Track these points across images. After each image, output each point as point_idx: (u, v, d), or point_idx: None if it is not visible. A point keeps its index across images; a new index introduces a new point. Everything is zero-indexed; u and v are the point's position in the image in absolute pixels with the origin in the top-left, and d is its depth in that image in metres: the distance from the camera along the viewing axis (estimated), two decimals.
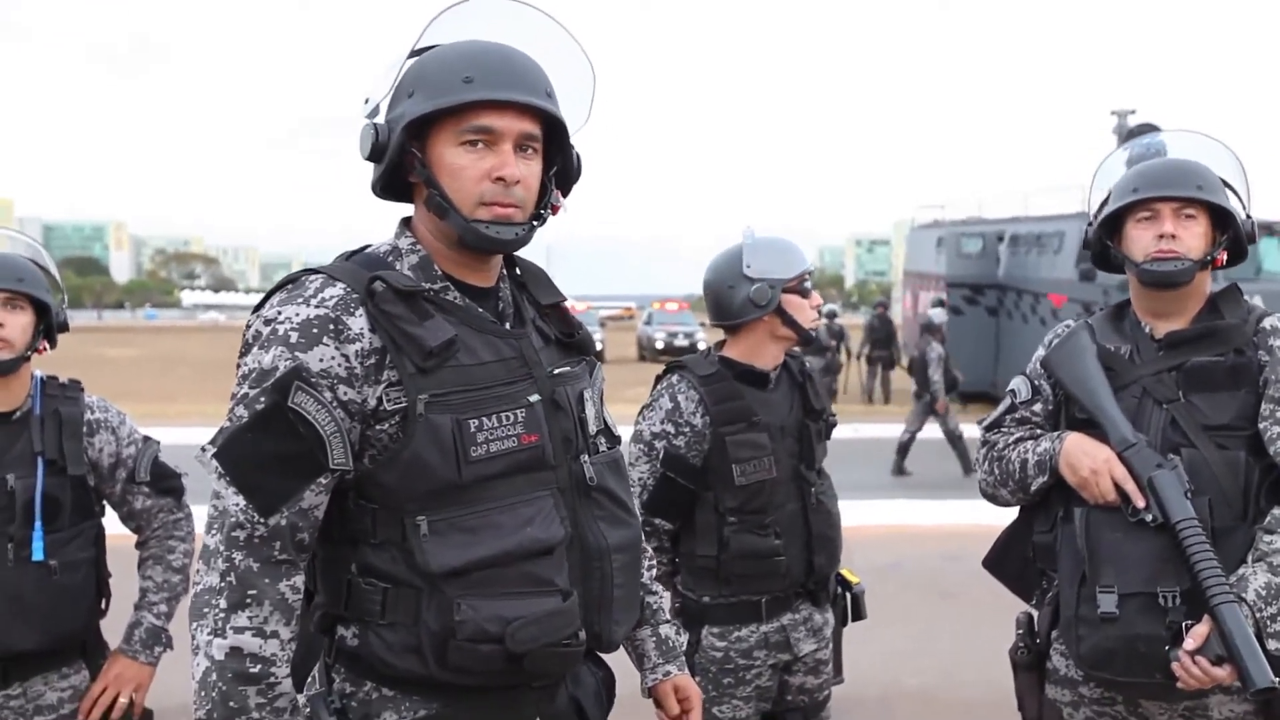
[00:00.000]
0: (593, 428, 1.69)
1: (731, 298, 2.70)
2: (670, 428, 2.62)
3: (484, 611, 1.51)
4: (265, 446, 1.49)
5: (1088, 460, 2.12)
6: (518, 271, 1.74)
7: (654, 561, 1.94)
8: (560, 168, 1.67)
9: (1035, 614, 2.30)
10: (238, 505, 1.49)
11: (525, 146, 1.58)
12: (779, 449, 2.64)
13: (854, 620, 2.87)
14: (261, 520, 1.48)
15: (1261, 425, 2.08)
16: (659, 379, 2.74)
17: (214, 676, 1.46)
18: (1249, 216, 2.25)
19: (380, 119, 1.60)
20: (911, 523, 8.49)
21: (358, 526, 1.55)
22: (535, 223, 1.61)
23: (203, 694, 1.47)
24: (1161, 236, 2.16)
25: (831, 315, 17.90)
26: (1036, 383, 2.32)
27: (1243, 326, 2.18)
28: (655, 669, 1.86)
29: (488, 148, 1.56)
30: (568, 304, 1.78)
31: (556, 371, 1.66)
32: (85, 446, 2.43)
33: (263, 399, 1.48)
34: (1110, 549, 2.08)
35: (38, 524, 2.32)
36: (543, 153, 1.62)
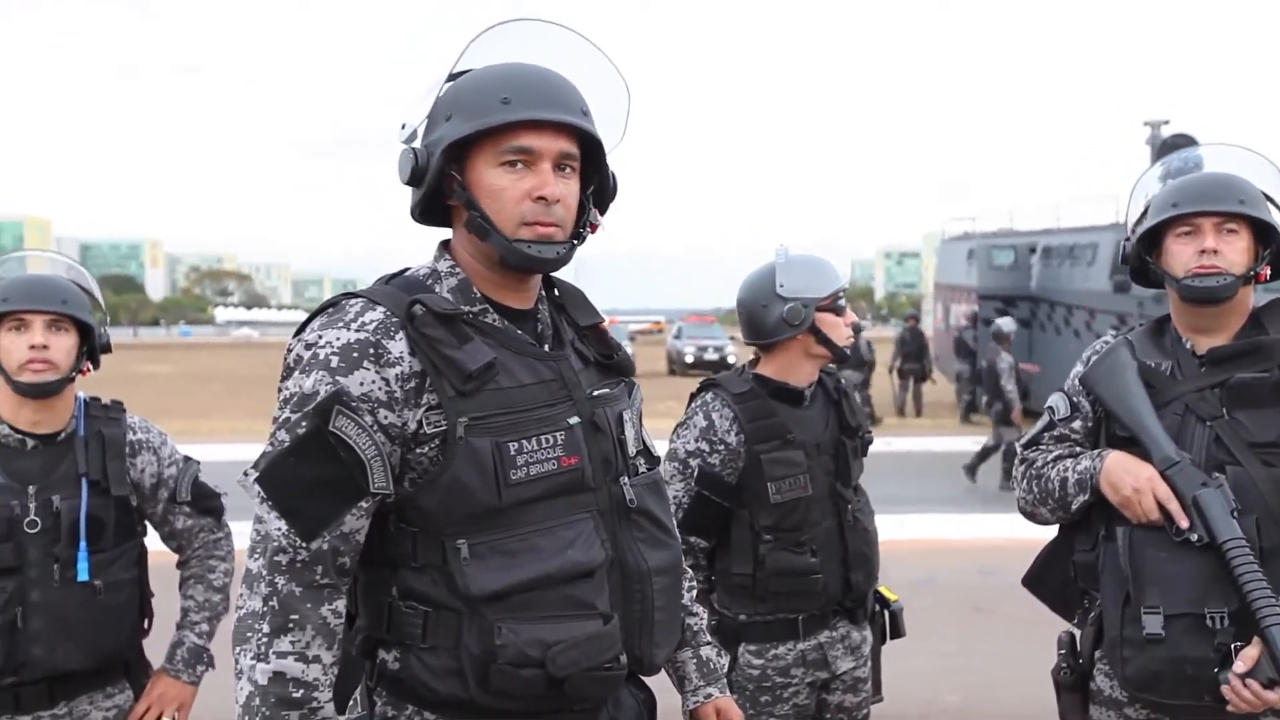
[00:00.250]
0: (632, 449, 1.69)
1: (765, 317, 2.70)
2: (705, 446, 2.62)
3: (525, 635, 1.51)
4: (306, 471, 1.50)
5: (1130, 479, 2.10)
6: (556, 293, 1.74)
7: (693, 582, 1.93)
8: (597, 186, 1.68)
9: (1077, 633, 2.27)
10: (280, 530, 1.50)
11: (564, 165, 1.59)
12: (814, 466, 2.63)
13: (892, 638, 2.85)
14: (303, 545, 1.49)
15: None
16: (693, 397, 2.74)
17: (257, 701, 1.47)
18: None
19: (417, 143, 1.61)
20: (944, 537, 8.43)
21: (398, 550, 1.56)
22: (575, 241, 1.62)
23: (246, 718, 1.48)
24: (1203, 252, 2.14)
25: (857, 330, 17.85)
26: (1075, 399, 2.30)
27: None
28: (697, 691, 1.86)
29: (527, 168, 1.57)
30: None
31: (596, 393, 1.66)
32: (128, 467, 2.45)
33: (304, 423, 1.49)
34: (1155, 569, 2.05)
35: (83, 544, 2.35)
36: (580, 172, 1.63)
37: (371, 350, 1.51)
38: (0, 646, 2.27)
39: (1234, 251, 2.15)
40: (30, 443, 2.38)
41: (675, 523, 1.75)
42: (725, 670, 1.89)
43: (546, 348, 1.65)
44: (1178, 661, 2.01)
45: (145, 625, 2.51)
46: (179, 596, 2.59)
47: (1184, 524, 2.03)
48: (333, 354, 1.51)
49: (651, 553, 1.64)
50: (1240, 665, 1.93)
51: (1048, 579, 2.34)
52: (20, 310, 2.36)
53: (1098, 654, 2.20)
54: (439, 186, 1.60)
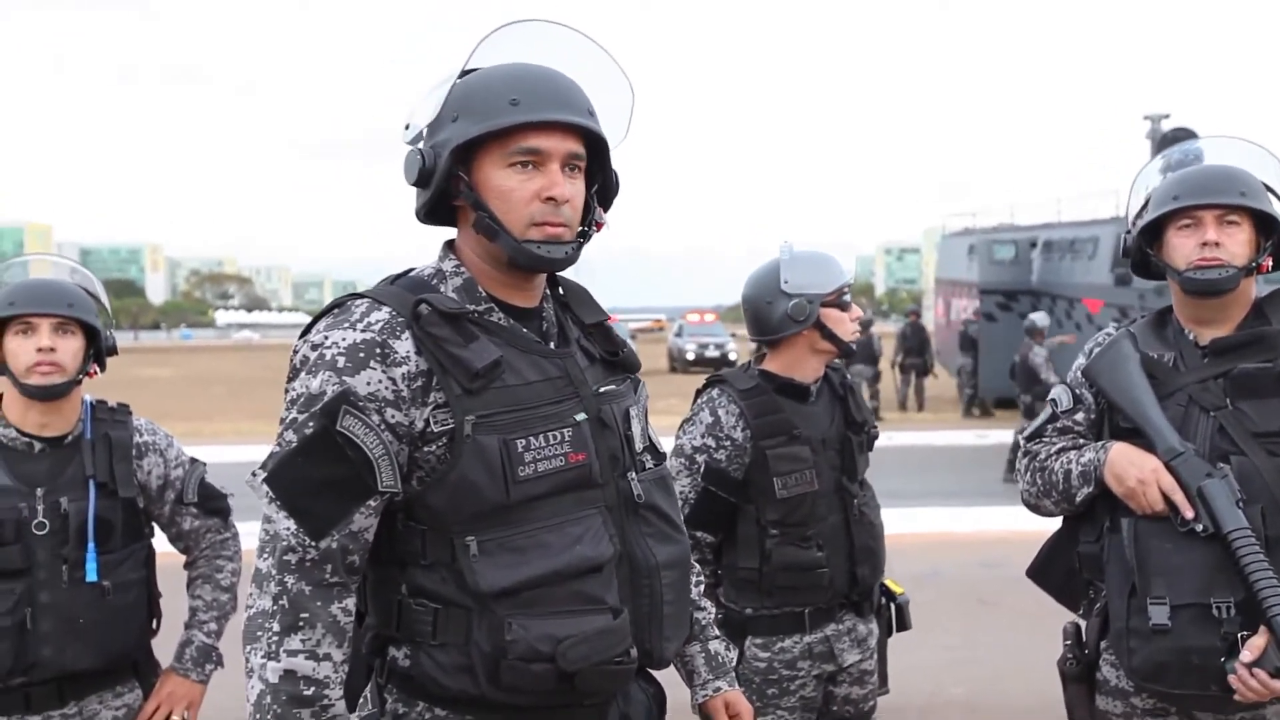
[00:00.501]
0: (638, 445, 1.69)
1: (770, 313, 2.70)
2: (711, 441, 2.63)
3: (535, 631, 1.52)
4: (314, 470, 1.50)
5: (1134, 470, 2.11)
6: (561, 291, 1.75)
7: (701, 577, 1.94)
8: (601, 185, 1.68)
9: (1083, 624, 2.28)
10: (288, 529, 1.50)
11: (571, 166, 1.60)
12: (820, 461, 2.64)
13: (899, 631, 2.86)
14: (312, 544, 1.50)
15: None
16: (699, 393, 2.75)
17: (268, 699, 1.48)
18: None
19: (423, 145, 1.62)
20: (948, 530, 8.44)
21: (407, 548, 1.57)
22: (581, 240, 1.63)
23: (257, 717, 1.48)
24: (1204, 244, 2.14)
25: (867, 324, 17.86)
26: (1078, 391, 2.31)
27: None
28: (705, 685, 1.86)
29: (536, 169, 1.57)
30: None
31: (602, 390, 1.66)
32: (135, 469, 2.46)
33: (311, 423, 1.50)
34: (1160, 560, 2.06)
35: (91, 546, 2.36)
36: (585, 171, 1.64)
37: (378, 350, 1.52)
38: (10, 647, 2.28)
39: (1235, 244, 2.15)
40: (38, 445, 2.39)
41: (682, 518, 1.76)
42: (734, 663, 1.90)
43: (552, 345, 1.66)
44: (1184, 651, 2.01)
45: (154, 625, 2.52)
46: (187, 596, 2.60)
47: (1189, 515, 2.04)
48: (339, 354, 1.52)
49: (660, 547, 1.65)
50: (1247, 654, 1.94)
51: (1052, 571, 2.35)
52: (27, 314, 2.37)
53: (1103, 644, 2.21)
54: (445, 187, 1.60)
